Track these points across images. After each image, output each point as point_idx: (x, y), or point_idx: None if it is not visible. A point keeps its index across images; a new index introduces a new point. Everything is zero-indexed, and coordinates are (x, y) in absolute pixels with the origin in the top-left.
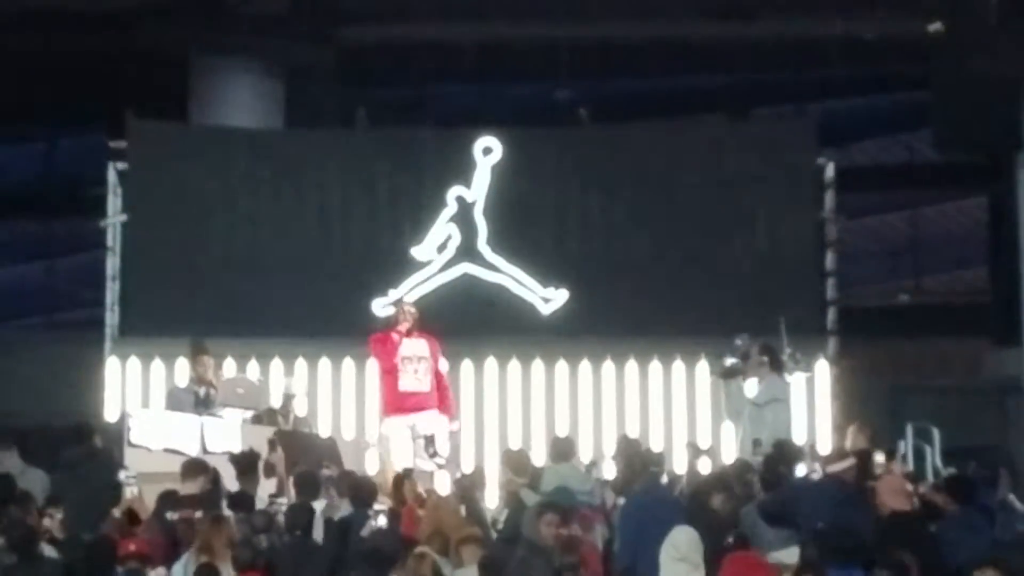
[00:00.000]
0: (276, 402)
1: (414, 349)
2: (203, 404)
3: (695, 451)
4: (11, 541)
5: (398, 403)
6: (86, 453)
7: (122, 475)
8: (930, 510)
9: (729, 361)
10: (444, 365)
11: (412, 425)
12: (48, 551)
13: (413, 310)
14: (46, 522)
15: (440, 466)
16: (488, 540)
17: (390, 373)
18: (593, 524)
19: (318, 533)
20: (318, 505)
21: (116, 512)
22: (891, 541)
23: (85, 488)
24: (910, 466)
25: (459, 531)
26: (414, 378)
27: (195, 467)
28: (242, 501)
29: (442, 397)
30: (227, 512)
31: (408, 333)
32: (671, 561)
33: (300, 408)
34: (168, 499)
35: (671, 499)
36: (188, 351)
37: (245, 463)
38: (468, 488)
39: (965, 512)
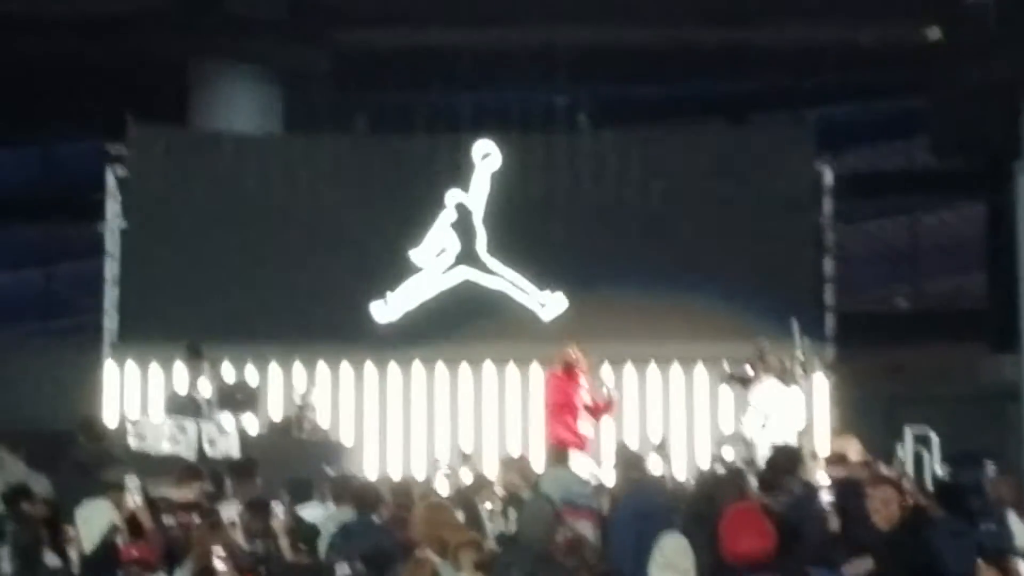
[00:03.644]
0: (280, 410)
1: (586, 397)
2: (200, 409)
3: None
4: (16, 548)
5: (580, 443)
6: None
7: (128, 482)
8: (921, 518)
9: (740, 369)
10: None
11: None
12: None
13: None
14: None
15: None
16: (486, 544)
17: (569, 410)
18: (580, 519)
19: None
20: (318, 510)
21: (117, 520)
22: (882, 552)
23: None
24: (909, 472)
25: (457, 535)
26: (589, 424)
27: (191, 473)
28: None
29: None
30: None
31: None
32: (658, 568)
33: (319, 418)
34: (163, 504)
35: (664, 503)
36: (184, 356)
37: (242, 468)
38: (469, 493)
39: (950, 519)
